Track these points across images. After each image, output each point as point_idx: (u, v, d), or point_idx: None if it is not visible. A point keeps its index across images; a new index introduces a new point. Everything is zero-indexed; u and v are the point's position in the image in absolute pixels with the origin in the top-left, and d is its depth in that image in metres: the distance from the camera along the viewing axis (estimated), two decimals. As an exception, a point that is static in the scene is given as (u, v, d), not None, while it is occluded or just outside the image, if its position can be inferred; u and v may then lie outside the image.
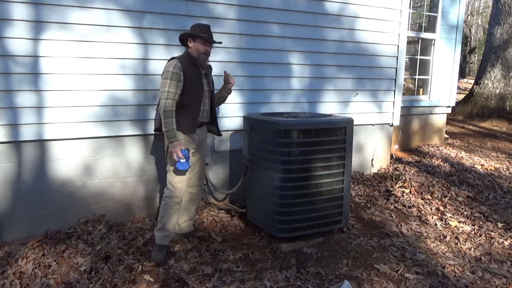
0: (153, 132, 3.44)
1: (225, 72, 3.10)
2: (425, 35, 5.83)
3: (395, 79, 4.66)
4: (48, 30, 2.96)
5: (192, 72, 2.76)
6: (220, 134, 3.16)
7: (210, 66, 2.99)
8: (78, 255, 2.79)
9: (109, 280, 2.53)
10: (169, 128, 2.64)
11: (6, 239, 3.04)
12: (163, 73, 2.69)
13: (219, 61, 3.60)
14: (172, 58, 2.75)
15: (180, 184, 2.83)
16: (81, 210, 3.26)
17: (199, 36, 2.78)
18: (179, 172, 2.77)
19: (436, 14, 5.79)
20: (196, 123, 2.85)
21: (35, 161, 3.09)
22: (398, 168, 4.83)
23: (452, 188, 4.31)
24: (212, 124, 3.06)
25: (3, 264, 2.69)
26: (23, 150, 3.05)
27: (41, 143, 3.09)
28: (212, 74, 3.09)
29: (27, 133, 3.00)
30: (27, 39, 2.91)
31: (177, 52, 3.46)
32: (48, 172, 3.13)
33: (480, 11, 26.51)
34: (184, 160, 2.67)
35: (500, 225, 3.50)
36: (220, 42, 3.03)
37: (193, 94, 2.78)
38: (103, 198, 3.35)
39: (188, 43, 2.82)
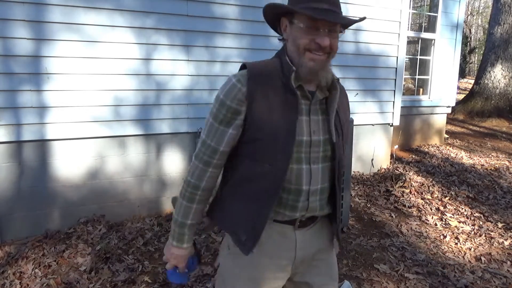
0: (154, 132, 3.45)
1: None
2: (425, 35, 5.83)
3: (395, 79, 4.66)
4: (49, 30, 2.96)
5: (275, 99, 1.14)
6: (338, 241, 1.36)
7: (335, 84, 1.21)
8: (78, 255, 2.79)
9: (109, 280, 2.53)
10: (176, 216, 1.27)
11: (6, 239, 3.04)
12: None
13: (219, 61, 3.60)
14: (242, 66, 1.20)
15: None
16: (81, 210, 3.26)
17: (296, 10, 1.10)
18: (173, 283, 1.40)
19: (436, 14, 5.79)
20: (261, 222, 1.17)
21: (36, 161, 3.09)
22: (398, 168, 4.83)
23: (452, 188, 4.31)
24: (333, 219, 1.31)
25: (3, 264, 2.69)
26: (24, 150, 3.05)
27: (42, 143, 3.08)
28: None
29: (28, 133, 3.00)
30: (28, 39, 2.91)
31: (180, 53, 3.47)
32: (48, 172, 3.13)
33: (480, 11, 26.51)
34: (182, 272, 1.33)
35: (500, 225, 3.50)
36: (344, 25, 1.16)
37: (270, 151, 1.14)
38: (103, 198, 3.35)
39: (281, 28, 1.20)
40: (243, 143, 1.17)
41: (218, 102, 1.16)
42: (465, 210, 3.81)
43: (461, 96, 10.38)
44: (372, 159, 4.78)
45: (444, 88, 6.04)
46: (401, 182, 4.30)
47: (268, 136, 1.13)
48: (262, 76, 1.15)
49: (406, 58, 5.33)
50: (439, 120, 6.26)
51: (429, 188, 4.29)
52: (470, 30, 23.95)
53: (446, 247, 3.11)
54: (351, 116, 3.28)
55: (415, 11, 6.79)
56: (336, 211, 1.27)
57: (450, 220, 3.59)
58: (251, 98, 1.12)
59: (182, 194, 1.24)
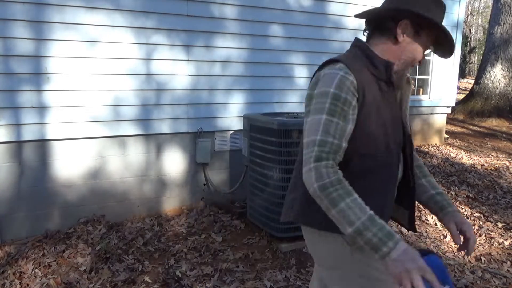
0: (154, 132, 3.45)
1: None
2: (425, 35, 5.83)
3: (395, 79, 4.66)
4: (49, 31, 2.96)
5: (381, 98, 1.18)
6: (414, 229, 1.39)
7: (409, 79, 1.30)
8: (78, 255, 2.79)
9: (109, 280, 2.54)
10: (356, 221, 1.02)
11: (6, 239, 3.04)
12: (310, 98, 1.16)
13: (219, 61, 3.60)
14: (331, 62, 1.17)
15: None
16: (81, 210, 3.26)
17: (436, 23, 1.13)
18: None
19: (436, 14, 5.78)
20: (388, 213, 1.27)
21: (36, 161, 3.09)
22: (398, 168, 4.82)
23: (452, 188, 4.31)
24: (404, 204, 1.35)
25: (3, 264, 2.69)
26: (24, 150, 3.05)
27: (42, 143, 3.09)
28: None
29: (28, 133, 3.00)
30: (28, 39, 2.91)
31: (180, 53, 3.47)
32: (48, 172, 3.13)
33: (480, 11, 26.53)
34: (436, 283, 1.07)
35: (500, 225, 3.50)
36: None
37: (382, 146, 1.18)
38: (103, 198, 3.35)
39: (398, 29, 1.16)
40: (353, 138, 1.13)
41: (331, 97, 1.09)
42: (465, 210, 3.81)
43: (461, 96, 10.38)
44: (372, 159, 4.78)
45: (444, 88, 6.04)
46: (401, 182, 4.29)
47: (381, 129, 1.15)
48: (357, 69, 1.15)
49: (406, 58, 5.32)
50: (439, 120, 6.26)
51: (429, 188, 4.28)
52: (470, 30, 23.97)
53: (446, 247, 3.11)
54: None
55: (415, 11, 6.81)
56: (408, 198, 1.32)
57: (450, 220, 3.59)
58: (361, 90, 1.12)
59: (338, 198, 1.03)
